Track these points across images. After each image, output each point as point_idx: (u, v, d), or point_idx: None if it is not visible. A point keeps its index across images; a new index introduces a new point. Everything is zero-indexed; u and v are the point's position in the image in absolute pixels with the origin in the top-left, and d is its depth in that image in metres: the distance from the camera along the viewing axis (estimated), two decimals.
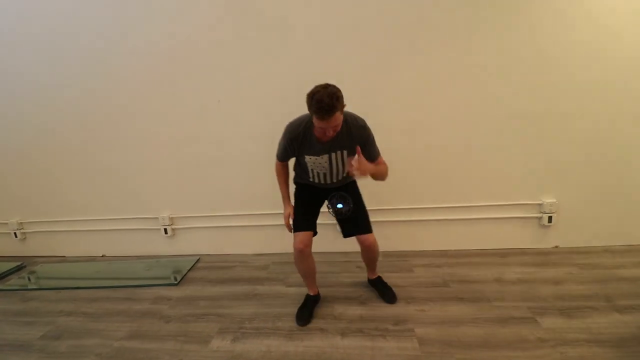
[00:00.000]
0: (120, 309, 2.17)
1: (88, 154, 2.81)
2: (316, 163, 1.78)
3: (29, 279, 2.73)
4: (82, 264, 2.93)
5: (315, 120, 1.55)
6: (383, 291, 2.08)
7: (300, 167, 1.90)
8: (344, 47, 2.37)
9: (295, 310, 1.99)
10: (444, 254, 2.59)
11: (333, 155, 1.74)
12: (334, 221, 2.63)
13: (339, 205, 1.77)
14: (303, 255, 1.86)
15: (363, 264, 2.38)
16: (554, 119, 2.35)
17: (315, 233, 1.93)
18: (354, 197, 1.90)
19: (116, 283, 2.51)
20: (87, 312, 2.17)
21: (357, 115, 1.73)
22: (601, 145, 2.37)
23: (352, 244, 2.62)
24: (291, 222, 1.90)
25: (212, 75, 2.54)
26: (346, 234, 1.95)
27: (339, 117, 1.53)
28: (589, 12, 2.19)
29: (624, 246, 2.50)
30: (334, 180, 1.87)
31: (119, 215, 2.90)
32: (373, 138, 1.75)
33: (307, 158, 1.77)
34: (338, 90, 1.51)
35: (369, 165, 1.66)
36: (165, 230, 2.85)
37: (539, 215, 2.50)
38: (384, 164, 1.81)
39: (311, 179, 1.90)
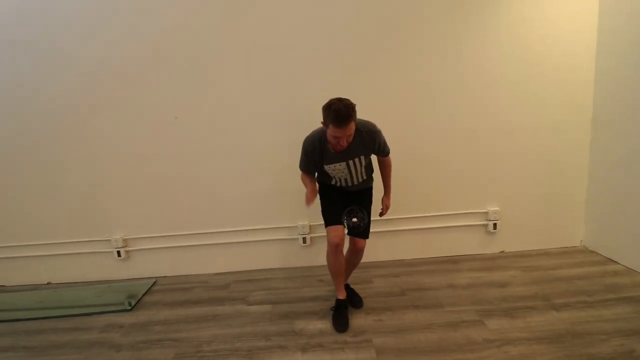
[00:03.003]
0: (65, 341, 2.02)
1: (31, 174, 2.63)
2: (336, 170, 1.90)
3: None
4: (24, 293, 2.70)
5: (331, 130, 1.66)
6: (350, 296, 2.15)
7: (323, 174, 2.00)
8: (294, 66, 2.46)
9: (255, 328, 1.97)
10: (401, 263, 2.69)
11: (351, 162, 1.86)
12: (295, 236, 2.69)
13: (354, 220, 1.88)
14: (338, 249, 1.93)
15: (325, 278, 2.44)
16: (496, 133, 2.57)
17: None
18: (364, 203, 2.01)
19: (62, 312, 2.34)
20: (29, 346, 2.00)
21: (366, 121, 1.84)
22: (538, 157, 2.61)
23: (314, 258, 2.69)
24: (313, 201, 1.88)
25: (168, 92, 2.51)
26: (350, 232, 2.02)
27: (353, 127, 1.67)
28: (532, 30, 2.43)
29: (559, 248, 2.74)
30: (355, 183, 1.98)
31: (66, 238, 2.72)
32: (384, 138, 1.90)
33: (327, 167, 1.89)
34: (352, 103, 1.65)
35: (389, 201, 2.09)
36: (119, 252, 2.71)
37: (485, 222, 2.69)
38: (390, 165, 2.03)
39: (334, 183, 2.00)
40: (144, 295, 2.51)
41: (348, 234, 2.02)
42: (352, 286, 2.25)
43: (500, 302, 2.08)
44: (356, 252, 2.05)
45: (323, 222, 1.99)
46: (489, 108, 2.54)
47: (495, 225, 2.67)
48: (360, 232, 1.98)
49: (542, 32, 2.44)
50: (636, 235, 2.31)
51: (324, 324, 2.00)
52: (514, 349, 1.69)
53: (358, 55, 2.45)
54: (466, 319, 1.95)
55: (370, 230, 2.02)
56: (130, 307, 2.34)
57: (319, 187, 2.03)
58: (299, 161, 1.94)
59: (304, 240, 2.70)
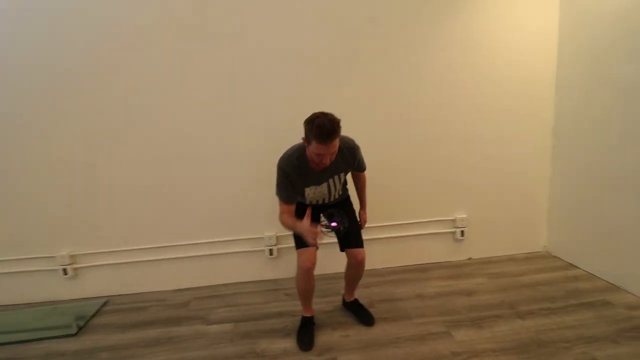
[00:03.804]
0: None
1: None
2: (317, 193, 1.78)
3: None
4: None
5: (314, 146, 1.52)
6: (360, 314, 2.05)
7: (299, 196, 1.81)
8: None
9: (214, 351, 1.83)
10: (370, 273, 2.61)
11: (331, 180, 1.77)
12: (262, 248, 2.57)
13: (334, 224, 1.72)
14: (309, 274, 1.79)
15: (292, 291, 2.33)
16: (461, 142, 2.58)
17: (317, 247, 1.81)
18: (349, 213, 1.90)
19: None
20: None
21: (346, 137, 1.73)
22: (502, 165, 2.65)
23: (282, 270, 2.58)
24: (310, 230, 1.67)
25: (120, 93, 2.33)
26: (342, 247, 1.92)
27: (337, 144, 1.55)
28: (494, 41, 2.47)
29: (524, 254, 2.78)
30: (332, 200, 1.89)
31: (3, 256, 2.45)
32: (361, 154, 1.82)
33: (307, 190, 1.76)
34: (337, 118, 1.53)
35: (366, 215, 2.05)
36: (65, 270, 2.47)
37: (453, 230, 2.69)
38: (365, 179, 1.98)
39: (308, 203, 1.85)
40: (92, 316, 2.29)
41: (341, 249, 1.92)
42: (360, 301, 2.13)
43: (468, 312, 2.06)
44: (357, 266, 1.90)
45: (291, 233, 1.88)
46: (453, 118, 2.55)
47: (462, 232, 2.68)
48: (355, 240, 1.88)
49: (505, 43, 2.48)
50: (595, 240, 2.38)
51: (289, 343, 1.89)
52: None
53: (325, 65, 2.39)
54: (434, 330, 1.91)
55: (335, 242, 1.94)
56: (75, 332, 2.12)
57: None
58: (275, 189, 1.71)
59: (271, 252, 2.58)
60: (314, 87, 2.41)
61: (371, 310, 2.10)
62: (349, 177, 1.97)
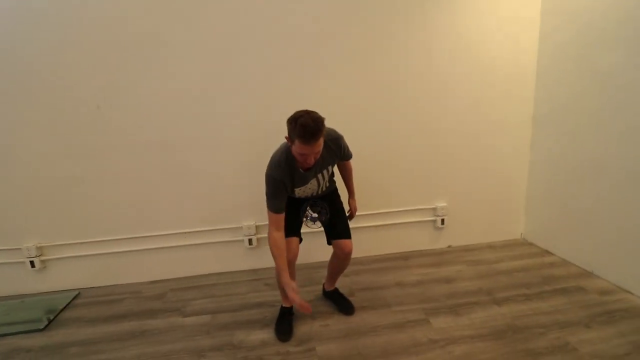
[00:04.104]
0: None
1: None
2: (306, 190, 1.74)
3: None
4: None
5: (298, 146, 1.45)
6: (341, 303, 2.04)
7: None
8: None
9: (189, 344, 1.78)
10: (354, 261, 2.54)
11: (320, 175, 1.71)
12: (240, 237, 2.51)
13: (315, 215, 1.73)
14: (290, 264, 1.74)
15: (272, 281, 2.29)
16: (443, 131, 2.57)
17: (300, 240, 1.84)
18: (336, 205, 1.89)
19: None
20: None
21: (329, 129, 1.63)
22: (482, 153, 2.65)
23: (261, 260, 2.53)
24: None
25: (89, 76, 2.19)
26: (329, 239, 1.89)
27: (321, 143, 1.48)
28: (475, 28, 2.44)
29: (503, 241, 2.83)
30: (320, 193, 1.83)
31: None
32: (346, 143, 1.77)
33: (298, 190, 1.71)
34: (321, 116, 1.46)
35: (356, 203, 2.02)
36: (32, 262, 2.35)
37: (434, 218, 2.69)
38: (351, 168, 1.94)
39: (297, 197, 1.80)
40: (62, 310, 2.19)
41: (328, 242, 1.89)
42: (340, 290, 2.12)
43: (447, 299, 2.08)
44: (344, 258, 1.87)
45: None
46: (435, 109, 2.52)
47: (443, 220, 2.69)
48: (343, 232, 1.85)
49: (486, 35, 2.45)
50: (570, 228, 2.42)
51: (267, 334, 1.85)
52: (458, 348, 1.67)
53: (306, 54, 2.31)
54: (412, 318, 1.91)
55: (318, 231, 1.90)
56: (43, 327, 2.02)
57: None
58: (266, 202, 1.63)
59: (250, 241, 2.52)
60: (294, 78, 2.33)
61: (351, 299, 2.08)
62: (335, 168, 1.91)
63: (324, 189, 1.83)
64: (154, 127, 2.30)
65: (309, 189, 1.74)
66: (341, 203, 1.94)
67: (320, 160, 1.62)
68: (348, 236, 1.86)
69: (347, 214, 1.97)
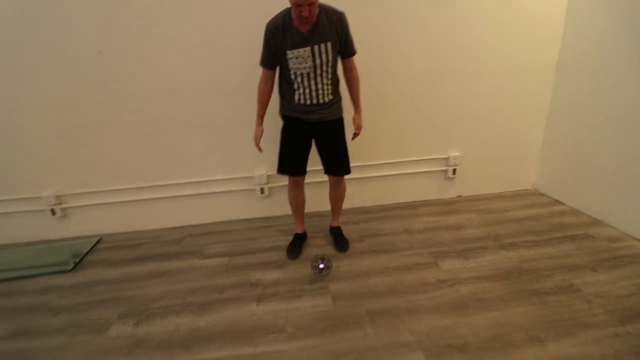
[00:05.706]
0: None
1: None
2: (299, 59, 1.70)
3: None
4: None
5: None
6: (337, 241, 2.17)
7: (285, 81, 1.82)
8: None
9: (209, 282, 1.90)
10: (362, 210, 2.66)
11: (316, 48, 1.68)
12: (252, 187, 2.54)
13: (321, 266, 1.83)
14: (297, 184, 2.02)
15: (284, 228, 2.39)
16: (455, 77, 2.45)
17: (305, 174, 2.01)
18: (339, 138, 1.93)
19: None
20: None
21: (334, 7, 1.71)
22: (501, 100, 2.56)
23: (273, 208, 2.59)
24: (261, 144, 1.91)
25: (88, 20, 2.10)
26: (325, 171, 2.02)
27: None
28: None
29: (513, 191, 2.82)
30: (321, 101, 1.80)
31: None
32: (350, 30, 1.75)
33: (290, 54, 1.69)
34: None
35: (361, 119, 1.95)
36: (53, 210, 2.44)
37: (445, 168, 2.67)
38: (358, 78, 1.90)
39: (296, 100, 1.80)
40: (86, 254, 2.32)
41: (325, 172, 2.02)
42: (342, 231, 2.24)
43: (455, 244, 2.13)
44: (337, 182, 2.04)
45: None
46: (455, 49, 2.39)
47: (454, 170, 2.67)
48: (338, 167, 1.97)
49: None
50: (583, 177, 2.39)
51: (282, 274, 1.95)
52: (465, 287, 1.74)
53: None
54: (421, 261, 1.98)
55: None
56: (70, 268, 2.15)
57: (282, 126, 1.93)
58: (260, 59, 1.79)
59: (262, 190, 2.56)
60: None
61: (361, 244, 2.16)
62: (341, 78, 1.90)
63: (324, 92, 1.78)
64: (170, 79, 2.26)
65: (303, 59, 1.70)
66: (344, 136, 1.95)
67: (320, 30, 1.65)
68: (340, 173, 1.99)
69: (353, 134, 1.97)
